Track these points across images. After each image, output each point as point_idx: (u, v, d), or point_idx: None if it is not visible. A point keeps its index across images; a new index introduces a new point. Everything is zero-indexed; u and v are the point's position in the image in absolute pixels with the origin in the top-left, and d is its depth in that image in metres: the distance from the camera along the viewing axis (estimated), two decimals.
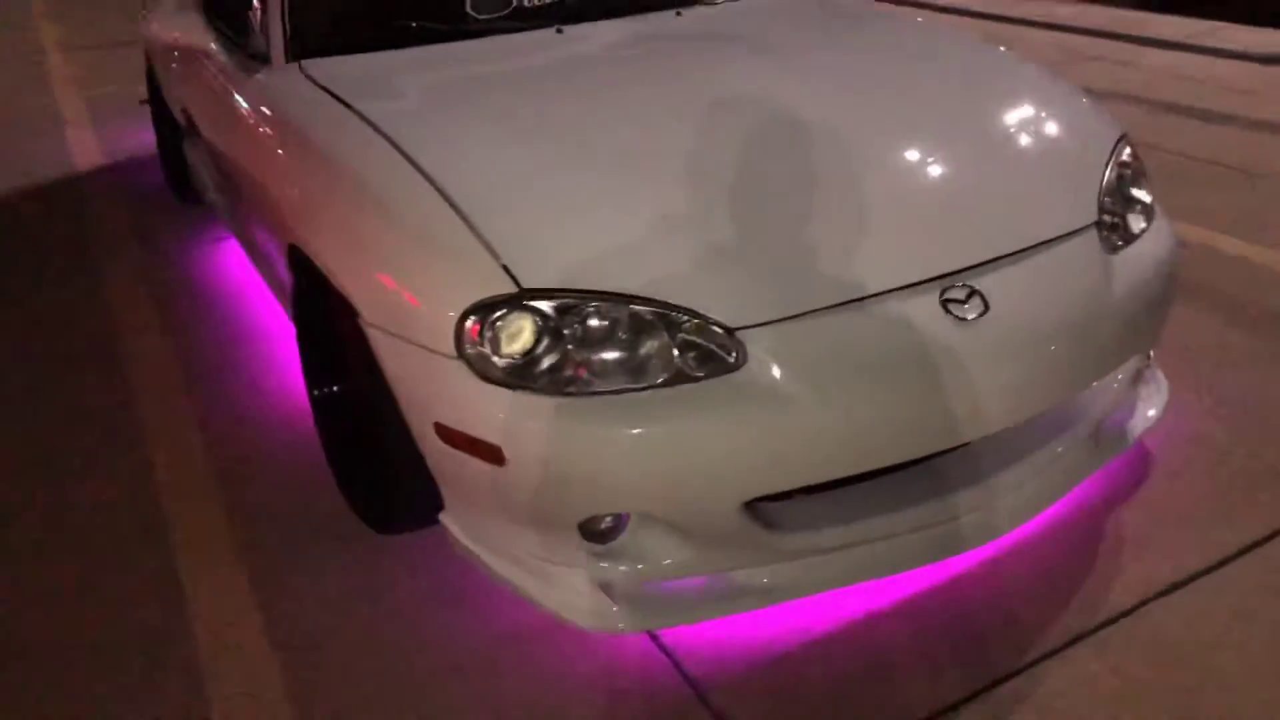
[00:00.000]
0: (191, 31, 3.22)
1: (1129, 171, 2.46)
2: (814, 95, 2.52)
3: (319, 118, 2.49)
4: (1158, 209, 2.47)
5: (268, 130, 2.70)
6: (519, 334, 1.90)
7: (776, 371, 1.90)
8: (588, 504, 1.94)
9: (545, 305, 1.91)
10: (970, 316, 2.01)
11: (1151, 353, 2.62)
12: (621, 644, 2.13)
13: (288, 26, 2.84)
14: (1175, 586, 2.22)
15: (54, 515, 2.61)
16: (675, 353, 1.90)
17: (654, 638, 2.14)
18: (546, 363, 1.89)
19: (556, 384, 1.88)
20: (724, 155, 2.27)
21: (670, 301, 1.93)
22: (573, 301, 1.91)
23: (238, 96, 2.95)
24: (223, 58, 3.14)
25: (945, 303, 2.02)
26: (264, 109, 2.76)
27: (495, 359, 1.90)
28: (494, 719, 1.99)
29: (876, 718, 1.95)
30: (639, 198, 2.12)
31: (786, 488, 1.96)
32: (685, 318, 1.92)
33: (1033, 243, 2.18)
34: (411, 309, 2.01)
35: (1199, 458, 2.63)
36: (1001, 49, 2.93)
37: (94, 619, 2.26)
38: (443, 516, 2.18)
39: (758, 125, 2.39)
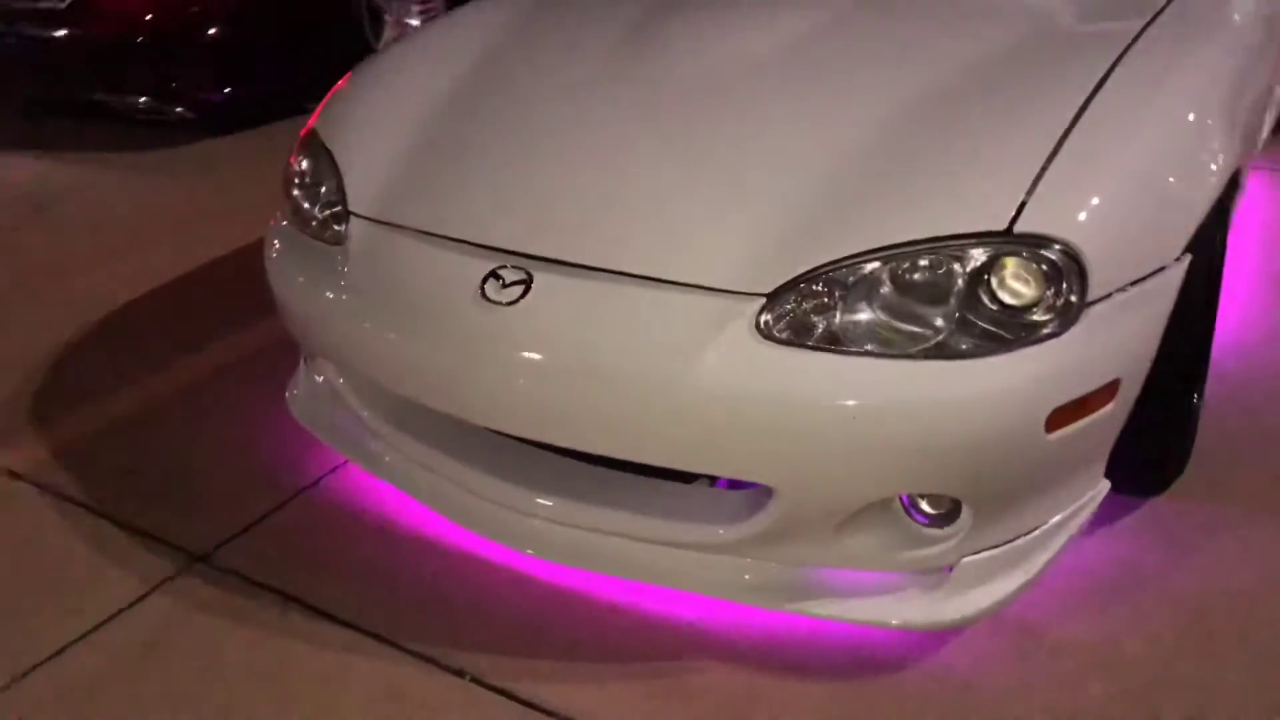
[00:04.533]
0: None
1: (941, 280, 1.71)
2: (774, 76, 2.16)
3: None
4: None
5: None
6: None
7: (356, 263, 2.08)
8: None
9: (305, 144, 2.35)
10: (492, 296, 1.86)
11: (974, 554, 1.82)
12: (308, 444, 2.46)
13: None
14: None
15: None
16: (317, 211, 2.21)
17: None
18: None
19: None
20: (591, 90, 2.22)
21: (338, 163, 2.21)
22: (307, 141, 2.34)
23: None
24: None
25: (491, 274, 1.89)
26: None
27: None
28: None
29: None
30: (452, 101, 2.30)
31: (337, 361, 2.18)
32: (334, 179, 2.20)
33: (646, 273, 1.81)
34: None
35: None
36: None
37: None
38: None
39: (663, 73, 2.21)
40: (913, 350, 1.70)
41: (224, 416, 2.73)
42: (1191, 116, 1.99)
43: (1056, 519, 1.88)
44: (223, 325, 3.16)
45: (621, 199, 1.95)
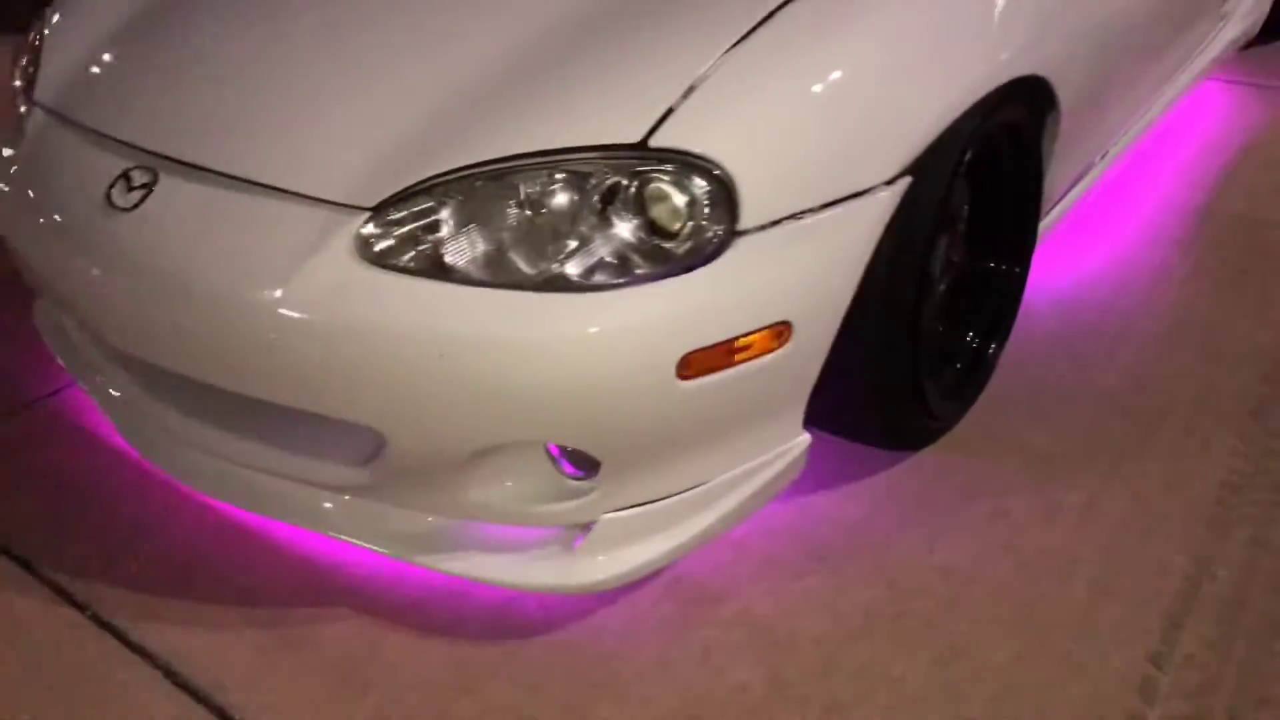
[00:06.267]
0: None
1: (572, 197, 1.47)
2: None
3: None
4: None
5: None
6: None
7: (24, 156, 1.91)
8: None
9: None
10: (116, 200, 1.67)
11: (614, 512, 1.60)
12: None
13: None
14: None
15: None
16: (20, 99, 2.03)
17: None
18: None
19: None
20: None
21: (43, 45, 2.04)
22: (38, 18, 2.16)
23: None
24: None
25: (123, 175, 1.70)
26: None
27: None
28: None
29: None
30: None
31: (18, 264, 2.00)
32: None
33: (261, 179, 1.59)
34: None
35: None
36: None
37: None
38: None
39: None
40: (527, 279, 1.47)
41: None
42: (924, 18, 1.67)
43: (726, 476, 1.65)
44: None
45: (259, 102, 1.72)
